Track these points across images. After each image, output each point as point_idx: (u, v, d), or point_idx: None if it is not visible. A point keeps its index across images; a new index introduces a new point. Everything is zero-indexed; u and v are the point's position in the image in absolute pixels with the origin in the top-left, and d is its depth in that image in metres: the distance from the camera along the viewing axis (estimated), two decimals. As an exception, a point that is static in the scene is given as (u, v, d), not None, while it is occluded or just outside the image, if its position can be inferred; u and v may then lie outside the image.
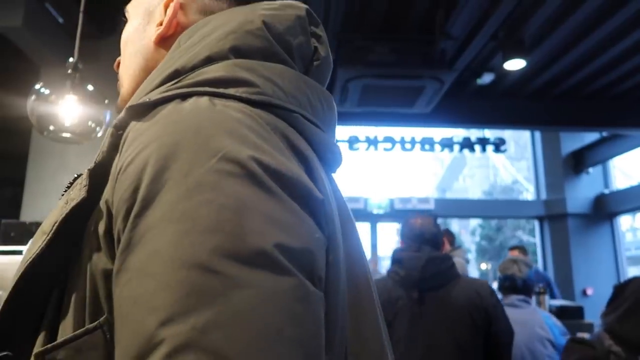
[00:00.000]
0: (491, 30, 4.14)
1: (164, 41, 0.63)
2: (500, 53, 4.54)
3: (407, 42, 4.45)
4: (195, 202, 0.39)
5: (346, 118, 5.72)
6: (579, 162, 7.77)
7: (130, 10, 0.71)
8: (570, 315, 4.15)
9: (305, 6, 0.63)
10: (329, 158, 0.57)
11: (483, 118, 6.05)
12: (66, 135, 2.03)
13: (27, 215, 3.81)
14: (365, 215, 7.61)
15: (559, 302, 4.66)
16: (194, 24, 0.60)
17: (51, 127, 1.99)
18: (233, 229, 0.38)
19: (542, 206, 7.82)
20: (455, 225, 15.18)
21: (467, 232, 15.97)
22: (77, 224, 0.49)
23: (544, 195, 7.90)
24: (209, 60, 0.53)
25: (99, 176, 0.49)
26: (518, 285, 2.59)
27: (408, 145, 6.97)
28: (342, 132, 6.84)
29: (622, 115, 6.06)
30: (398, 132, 6.99)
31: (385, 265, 7.69)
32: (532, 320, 2.49)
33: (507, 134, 10.64)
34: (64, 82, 2.03)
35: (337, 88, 4.72)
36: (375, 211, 7.57)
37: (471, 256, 14.46)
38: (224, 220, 0.39)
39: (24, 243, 1.94)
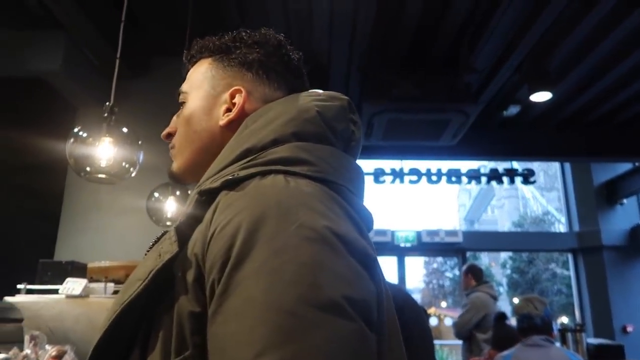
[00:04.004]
0: (516, 63, 4.14)
1: (230, 124, 0.76)
2: (525, 84, 4.53)
3: (431, 76, 4.48)
4: (281, 260, 0.50)
5: (371, 151, 5.73)
6: (612, 192, 7.54)
7: (189, 91, 0.82)
8: (610, 355, 3.96)
9: (347, 97, 0.77)
10: (366, 220, 0.67)
11: (510, 150, 5.98)
12: (102, 176, 2.11)
13: (61, 250, 3.91)
14: (392, 248, 7.51)
15: (597, 340, 4.46)
16: (256, 110, 0.74)
17: (88, 168, 2.07)
18: (311, 282, 0.49)
19: (575, 238, 7.58)
20: (485, 257, 14.81)
21: (497, 264, 15.55)
22: (166, 272, 0.59)
23: (577, 227, 7.66)
24: (275, 142, 0.66)
25: (183, 232, 0.61)
26: (537, 324, 2.52)
27: (434, 178, 6.91)
28: (368, 165, 6.85)
29: (655, 145, 5.90)
30: (424, 164, 6.95)
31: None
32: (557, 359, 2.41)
33: (536, 163, 10.46)
34: (100, 125, 2.12)
35: (362, 122, 4.76)
36: (402, 244, 7.47)
37: (502, 290, 14.00)
38: (304, 274, 0.49)
39: (59, 282, 1.99)
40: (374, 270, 0.57)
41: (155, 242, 0.69)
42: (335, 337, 0.46)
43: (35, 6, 3.39)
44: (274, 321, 0.46)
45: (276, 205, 0.55)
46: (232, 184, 0.61)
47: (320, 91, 0.78)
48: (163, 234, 0.67)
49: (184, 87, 0.83)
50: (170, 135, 0.83)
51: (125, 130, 2.18)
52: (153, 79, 4.27)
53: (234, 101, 0.77)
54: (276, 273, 0.49)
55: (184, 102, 0.82)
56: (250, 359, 0.45)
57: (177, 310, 0.56)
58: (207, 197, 0.63)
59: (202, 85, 0.80)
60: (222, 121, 0.76)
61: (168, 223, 3.03)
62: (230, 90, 0.77)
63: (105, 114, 2.10)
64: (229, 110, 0.77)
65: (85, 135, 2.07)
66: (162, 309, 0.58)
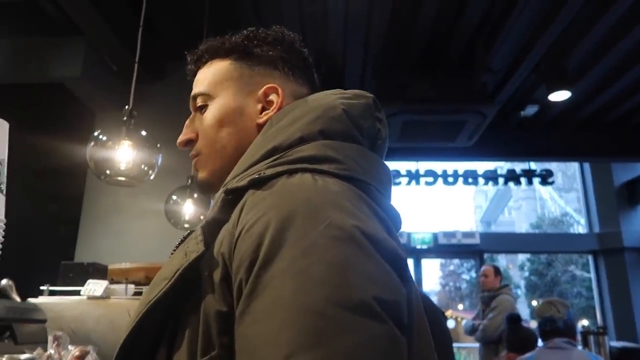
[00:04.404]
0: (533, 63, 4.10)
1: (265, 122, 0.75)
2: (543, 84, 4.47)
3: (446, 77, 4.45)
4: (310, 260, 0.49)
5: (387, 153, 5.69)
6: (633, 193, 7.40)
7: (212, 93, 0.78)
8: (634, 358, 3.89)
9: (372, 95, 0.75)
10: (394, 220, 0.66)
11: (528, 150, 5.91)
12: (121, 178, 2.14)
13: (81, 253, 3.97)
14: (408, 250, 7.45)
15: (620, 343, 4.38)
16: (284, 107, 0.74)
17: (108, 171, 2.10)
18: (340, 282, 0.48)
19: (595, 240, 7.45)
20: (502, 259, 14.63)
21: (515, 266, 15.35)
22: (193, 271, 0.59)
23: (597, 229, 7.53)
24: (302, 141, 0.65)
25: (209, 231, 0.61)
26: (559, 327, 2.49)
27: (450, 179, 6.86)
28: (383, 167, 6.80)
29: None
30: (440, 165, 6.90)
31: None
32: None
33: (554, 164, 10.30)
34: (120, 128, 2.15)
35: (377, 124, 4.74)
36: (418, 246, 7.43)
37: (520, 292, 13.81)
38: (333, 275, 0.48)
39: (81, 284, 2.02)
40: (404, 271, 0.56)
41: (182, 241, 0.68)
42: (366, 339, 0.45)
43: (55, 13, 3.46)
44: (303, 322, 0.45)
45: (304, 204, 0.54)
46: (258, 183, 0.60)
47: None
48: (189, 233, 0.67)
49: (203, 89, 0.79)
50: (190, 142, 0.79)
51: (144, 133, 2.21)
52: (169, 83, 4.32)
53: (268, 99, 0.76)
54: (304, 273, 0.48)
55: (205, 106, 0.78)
56: None
57: (203, 309, 0.56)
58: (234, 196, 0.62)
59: (228, 85, 0.78)
60: (261, 119, 0.75)
61: (186, 225, 3.06)
62: (264, 88, 0.77)
63: (125, 118, 2.13)
64: (264, 108, 0.76)
65: (105, 138, 2.10)
66: (188, 308, 0.58)
